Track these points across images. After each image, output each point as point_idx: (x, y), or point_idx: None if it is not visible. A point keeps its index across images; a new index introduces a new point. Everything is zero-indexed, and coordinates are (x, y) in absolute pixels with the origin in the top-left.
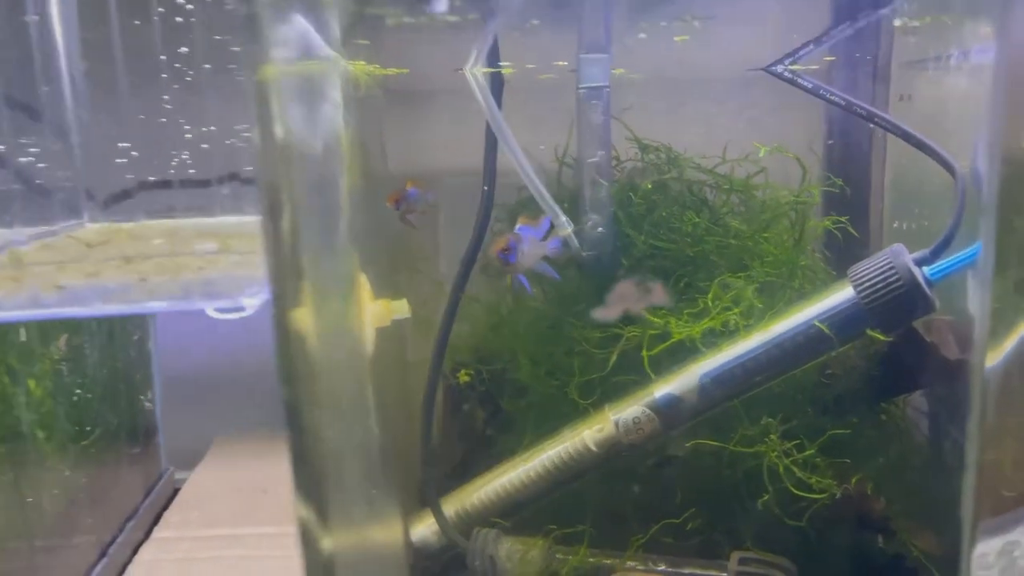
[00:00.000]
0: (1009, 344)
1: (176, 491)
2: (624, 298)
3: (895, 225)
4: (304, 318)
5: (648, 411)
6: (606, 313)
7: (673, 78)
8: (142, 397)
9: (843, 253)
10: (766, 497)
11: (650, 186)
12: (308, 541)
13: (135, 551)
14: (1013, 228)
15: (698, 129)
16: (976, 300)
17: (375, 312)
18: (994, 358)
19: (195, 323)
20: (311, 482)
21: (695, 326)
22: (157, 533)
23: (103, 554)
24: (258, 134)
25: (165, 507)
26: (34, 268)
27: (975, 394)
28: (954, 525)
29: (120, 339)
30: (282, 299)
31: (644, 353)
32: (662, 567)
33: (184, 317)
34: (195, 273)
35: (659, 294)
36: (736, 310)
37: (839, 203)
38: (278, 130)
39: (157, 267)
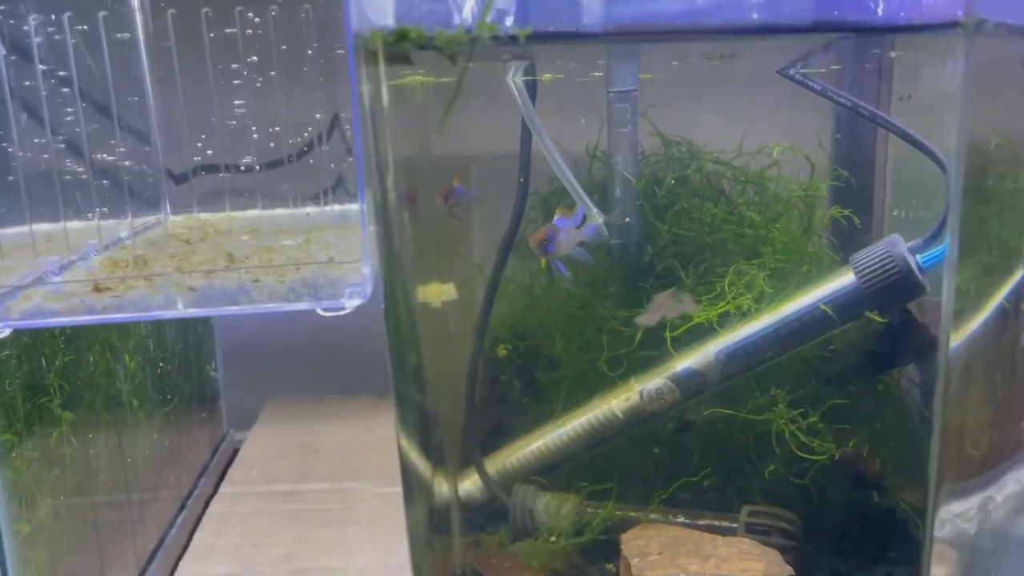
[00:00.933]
0: (975, 323)
1: (236, 451)
2: (661, 307)
3: (895, 214)
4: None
5: (670, 383)
6: (647, 319)
7: (699, 78)
8: (207, 367)
9: (848, 239)
10: (771, 467)
11: (673, 181)
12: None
13: (207, 504)
14: (981, 216)
15: (719, 124)
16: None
17: (426, 294)
18: (959, 336)
19: None
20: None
21: (712, 310)
22: (224, 488)
23: (183, 507)
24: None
25: (228, 465)
26: (154, 266)
27: (941, 367)
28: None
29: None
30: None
31: (667, 334)
32: (681, 519)
33: None
34: (296, 274)
35: (689, 304)
36: (749, 295)
37: (846, 193)
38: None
39: (263, 268)
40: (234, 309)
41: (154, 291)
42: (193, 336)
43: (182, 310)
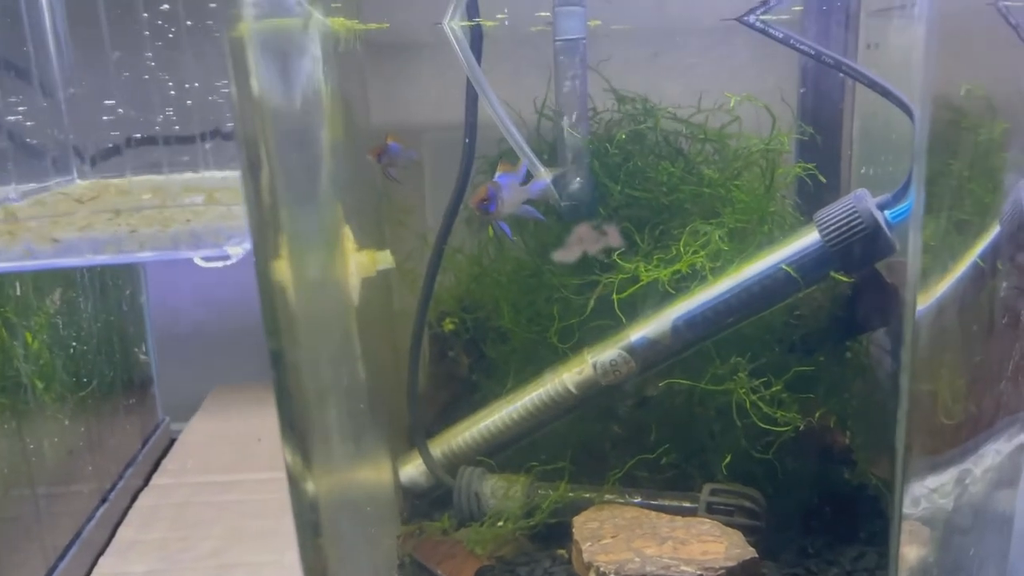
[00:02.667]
0: (946, 283)
1: (173, 441)
2: (583, 240)
3: (863, 171)
4: (283, 269)
5: (624, 354)
6: (565, 255)
7: (650, 28)
8: (136, 350)
9: (814, 200)
10: (734, 442)
11: (624, 136)
12: (295, 482)
13: (135, 497)
14: (949, 170)
15: (675, 79)
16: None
17: (360, 262)
18: (927, 298)
19: (188, 278)
20: (296, 427)
21: (663, 270)
22: (155, 480)
23: (103, 499)
24: (235, 91)
25: (163, 456)
26: (28, 223)
27: (907, 331)
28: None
29: (112, 294)
30: (263, 251)
31: (615, 296)
32: (638, 499)
33: (176, 272)
34: (183, 225)
35: (614, 237)
36: (702, 253)
37: (811, 150)
38: (254, 86)
39: (146, 220)
40: (101, 259)
41: (15, 243)
42: (116, 316)
43: (34, 261)
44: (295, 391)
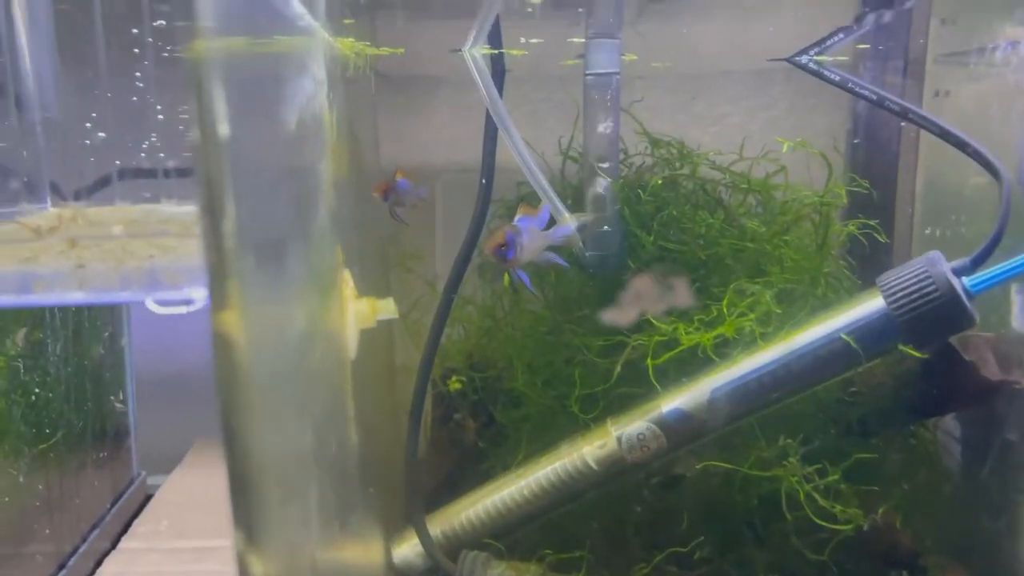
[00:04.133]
0: None
1: (148, 498)
2: (641, 297)
3: (927, 232)
4: (234, 321)
5: (654, 427)
6: (619, 316)
7: (687, 72)
8: (112, 398)
9: (868, 262)
10: (781, 538)
11: (660, 181)
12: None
13: (99, 563)
14: None
15: (712, 127)
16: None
17: (359, 311)
18: None
19: (176, 320)
20: (246, 504)
21: (706, 333)
22: (124, 544)
23: (61, 566)
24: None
25: (136, 515)
26: None
27: None
28: (997, 565)
29: (88, 335)
30: (219, 301)
31: (649, 362)
32: None
33: (161, 315)
34: (141, 262)
35: (683, 293)
36: (752, 316)
37: (863, 208)
38: (216, 123)
39: (102, 254)
40: (28, 299)
41: None
42: (91, 360)
43: None
44: (243, 465)
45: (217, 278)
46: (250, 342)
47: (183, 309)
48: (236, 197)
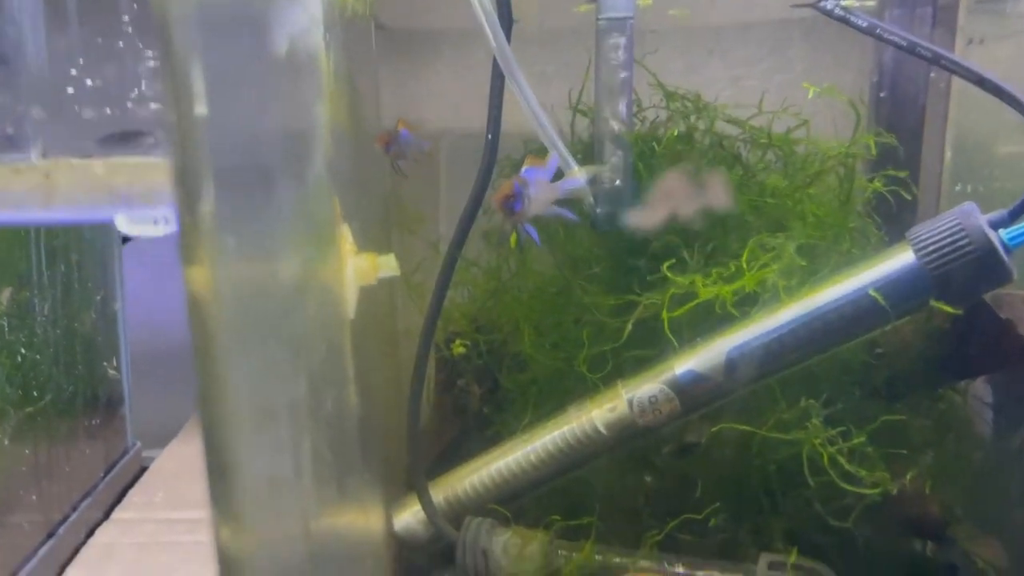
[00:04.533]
0: None
1: (143, 469)
2: (671, 195)
3: (957, 188)
4: (208, 259)
5: (667, 389)
6: (647, 216)
7: (704, 24)
8: (106, 364)
9: (894, 221)
10: (800, 504)
11: (676, 133)
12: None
13: (91, 533)
14: None
15: (730, 80)
16: None
17: (358, 267)
18: None
19: (174, 286)
20: (222, 470)
21: (725, 286)
22: (117, 514)
23: (50, 534)
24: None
25: (130, 486)
26: None
27: None
28: None
29: (79, 297)
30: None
31: (664, 315)
32: (679, 569)
33: (160, 278)
34: (112, 179)
35: (719, 191)
36: (774, 267)
37: (888, 164)
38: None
39: (73, 175)
40: None
41: None
42: (81, 324)
43: None
44: (215, 415)
45: (188, 200)
46: (225, 285)
47: (159, 230)
48: (209, 103)
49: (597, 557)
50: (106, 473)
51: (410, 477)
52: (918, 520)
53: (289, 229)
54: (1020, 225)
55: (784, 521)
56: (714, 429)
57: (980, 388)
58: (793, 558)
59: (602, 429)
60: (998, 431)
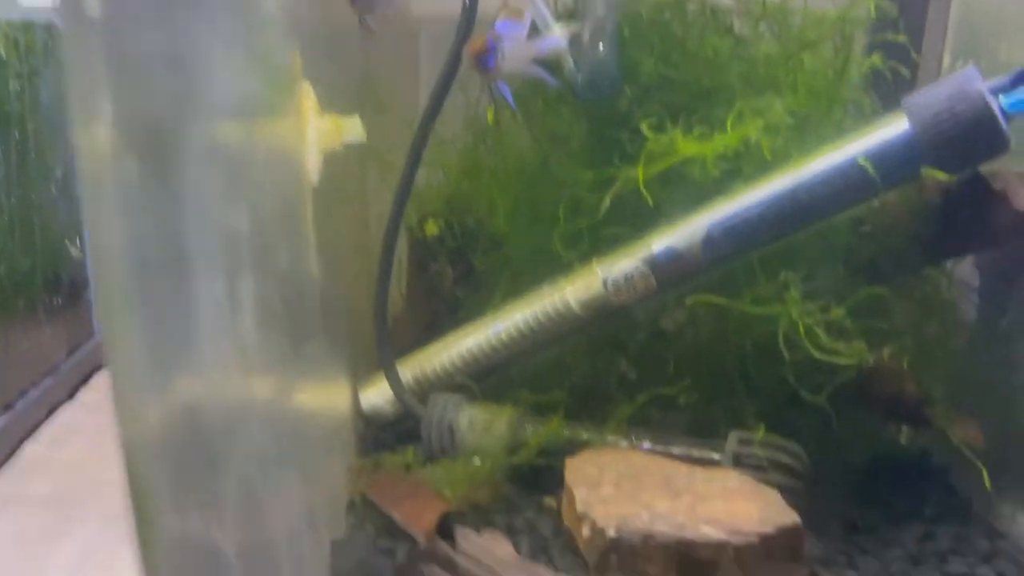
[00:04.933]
0: None
1: None
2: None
3: (958, 64)
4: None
5: (643, 266)
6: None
7: None
8: (68, 243)
9: (890, 98)
10: (774, 378)
11: None
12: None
13: (52, 411)
14: None
15: None
16: None
17: (321, 129)
18: None
19: None
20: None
21: (707, 144)
22: (82, 395)
23: (7, 407)
24: None
25: (97, 369)
26: None
27: None
28: (1012, 423)
29: (36, 169)
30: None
31: (640, 171)
32: (647, 444)
33: None
34: None
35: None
36: (759, 123)
37: (888, 37)
38: None
39: None
40: None
41: None
42: (39, 196)
43: None
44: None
45: None
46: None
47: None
48: None
49: (564, 432)
50: (69, 354)
51: (378, 354)
52: (894, 399)
53: (234, 61)
54: (1020, 91)
55: (758, 402)
56: (689, 303)
57: (966, 271)
58: (762, 434)
59: (575, 307)
60: (982, 315)
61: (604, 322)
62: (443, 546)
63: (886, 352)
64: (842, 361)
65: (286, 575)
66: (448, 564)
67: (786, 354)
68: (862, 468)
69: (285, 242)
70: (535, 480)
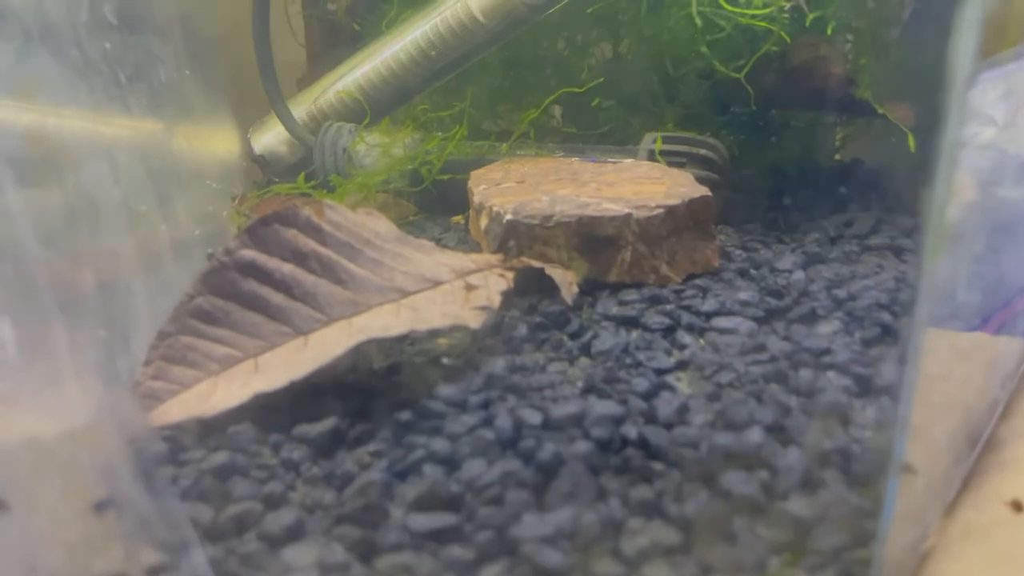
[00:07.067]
0: None
1: None
2: None
3: None
4: None
5: None
6: None
7: None
8: None
9: None
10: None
11: None
12: None
13: None
14: None
15: None
16: None
17: None
18: None
19: None
20: None
21: None
22: None
23: None
24: None
25: None
26: None
27: None
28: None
29: None
30: None
31: None
32: (559, 154)
33: None
34: None
35: None
36: None
37: None
38: None
39: None
40: None
41: None
42: None
43: None
44: None
45: None
46: None
47: None
48: None
49: (468, 149)
50: None
51: (266, 91)
52: (822, 81)
53: None
54: None
55: (679, 108)
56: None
57: None
58: (676, 131)
59: (480, 17)
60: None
61: (513, 32)
62: (306, 212)
63: (809, 18)
64: (755, 12)
65: None
66: (310, 228)
67: (697, 20)
68: (791, 173)
69: None
70: (444, 200)
